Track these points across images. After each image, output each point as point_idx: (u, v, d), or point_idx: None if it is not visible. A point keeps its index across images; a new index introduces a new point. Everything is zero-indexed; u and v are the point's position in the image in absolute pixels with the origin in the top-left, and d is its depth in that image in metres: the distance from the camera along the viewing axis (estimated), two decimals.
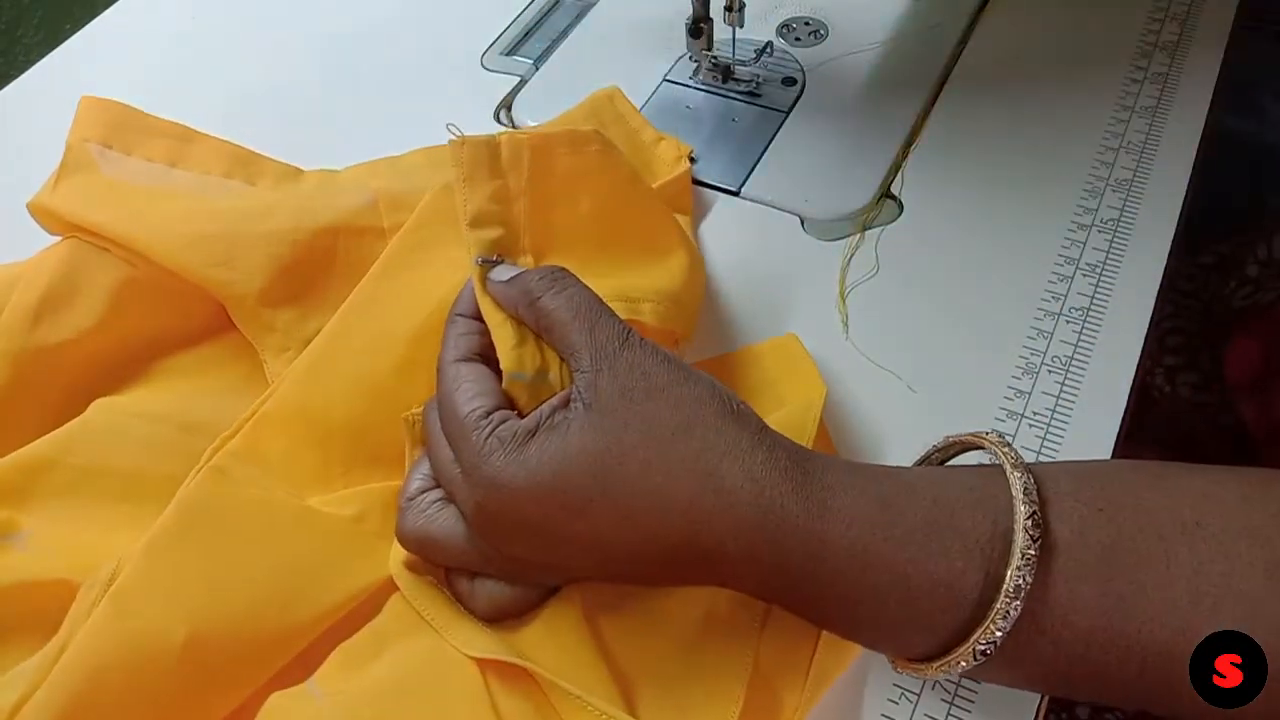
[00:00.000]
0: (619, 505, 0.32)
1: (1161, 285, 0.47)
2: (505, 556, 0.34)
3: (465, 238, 0.38)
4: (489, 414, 0.33)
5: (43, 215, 0.45)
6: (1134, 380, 0.43)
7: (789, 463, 0.32)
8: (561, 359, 0.35)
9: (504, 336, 0.35)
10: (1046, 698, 0.36)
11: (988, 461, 0.34)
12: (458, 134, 0.39)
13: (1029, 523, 0.31)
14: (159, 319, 0.44)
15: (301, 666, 0.35)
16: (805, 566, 0.32)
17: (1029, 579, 0.30)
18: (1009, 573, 0.30)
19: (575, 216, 0.41)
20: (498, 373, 0.35)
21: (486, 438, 0.33)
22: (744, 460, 0.32)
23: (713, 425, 0.32)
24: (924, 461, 0.38)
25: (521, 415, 0.34)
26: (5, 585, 0.36)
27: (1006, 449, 0.33)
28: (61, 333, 0.42)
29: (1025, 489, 0.31)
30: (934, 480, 0.34)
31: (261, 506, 0.37)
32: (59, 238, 0.45)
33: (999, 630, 0.30)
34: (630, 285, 0.40)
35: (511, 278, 0.36)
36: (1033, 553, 0.30)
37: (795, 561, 0.32)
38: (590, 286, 0.36)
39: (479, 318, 0.36)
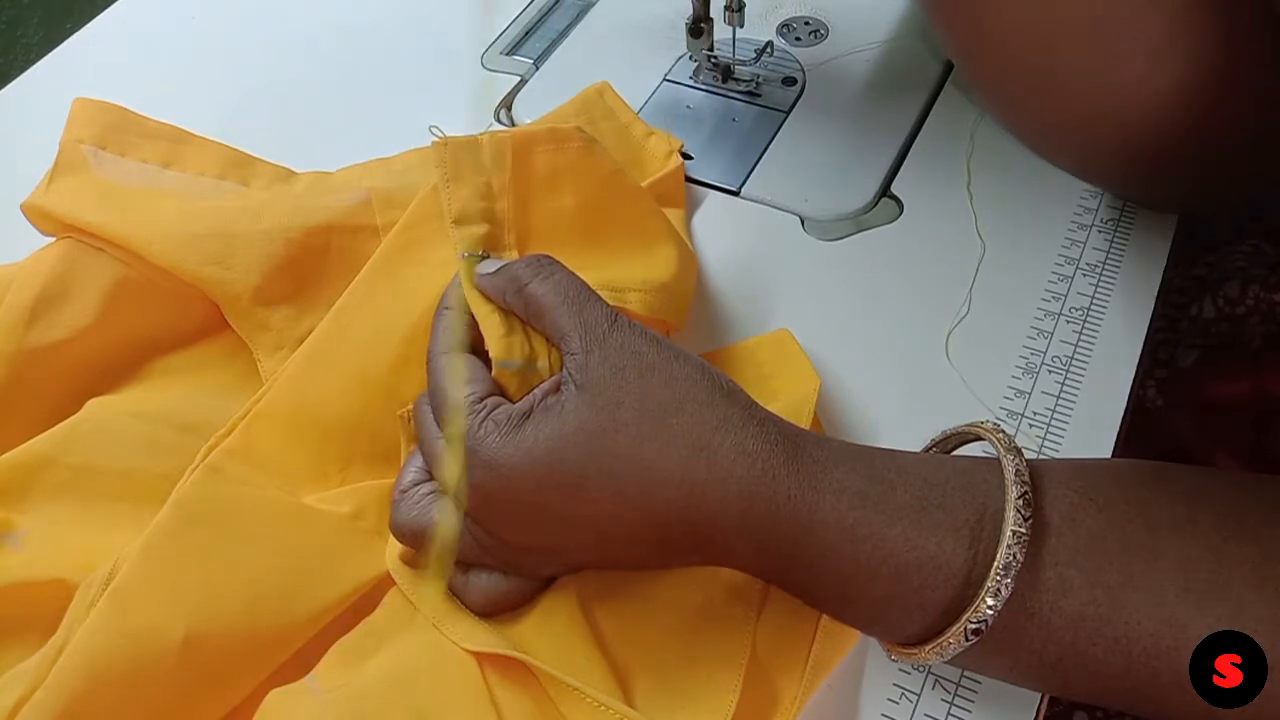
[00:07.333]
0: (614, 481, 0.32)
1: (1160, 288, 0.46)
2: (501, 543, 0.34)
3: (450, 235, 0.38)
4: (482, 399, 0.34)
5: (36, 216, 0.45)
6: (1134, 380, 0.43)
7: (780, 437, 0.33)
8: (550, 346, 0.35)
9: (492, 326, 0.35)
10: (1046, 698, 0.36)
11: (984, 454, 0.34)
12: (440, 134, 0.39)
13: (1020, 502, 0.31)
14: (154, 318, 0.44)
15: (300, 663, 0.35)
16: (797, 539, 0.32)
17: (1020, 557, 0.30)
18: (1000, 550, 0.30)
19: (559, 212, 0.41)
20: (487, 364, 0.35)
21: (482, 421, 0.33)
22: (736, 434, 0.32)
23: (704, 401, 0.33)
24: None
25: (512, 402, 0.34)
26: (2, 586, 0.36)
27: (1001, 434, 0.34)
28: (57, 332, 0.42)
29: (1017, 471, 0.32)
30: (925, 462, 0.34)
31: (258, 504, 0.37)
32: (54, 238, 0.44)
33: (990, 609, 0.30)
34: (616, 276, 0.41)
35: (498, 269, 0.36)
36: (1023, 531, 0.31)
37: (786, 533, 0.32)
38: None
39: (467, 310, 0.37)
